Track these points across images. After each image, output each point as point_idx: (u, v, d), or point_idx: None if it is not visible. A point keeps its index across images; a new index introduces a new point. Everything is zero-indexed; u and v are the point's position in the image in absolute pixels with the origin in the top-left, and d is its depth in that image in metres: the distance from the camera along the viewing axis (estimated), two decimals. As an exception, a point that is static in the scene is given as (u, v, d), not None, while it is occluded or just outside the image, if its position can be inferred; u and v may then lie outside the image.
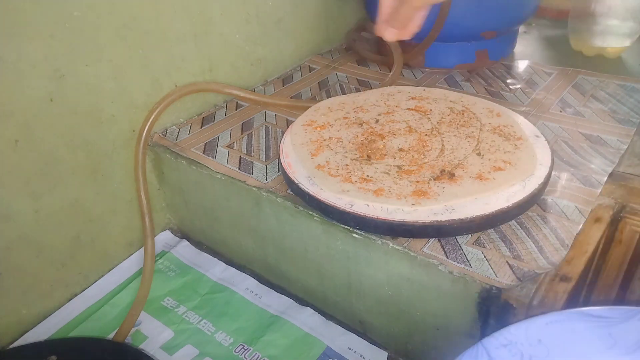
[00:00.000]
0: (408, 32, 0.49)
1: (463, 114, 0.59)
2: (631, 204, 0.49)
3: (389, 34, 0.49)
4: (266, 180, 0.56)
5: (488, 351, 0.27)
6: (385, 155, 0.53)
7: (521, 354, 0.27)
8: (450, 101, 0.62)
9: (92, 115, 0.57)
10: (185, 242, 0.69)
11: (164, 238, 0.70)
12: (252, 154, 0.60)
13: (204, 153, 0.61)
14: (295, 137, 0.57)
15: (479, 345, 0.27)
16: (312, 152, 0.54)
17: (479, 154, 0.52)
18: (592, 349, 0.27)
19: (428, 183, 0.48)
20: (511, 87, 0.72)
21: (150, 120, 0.61)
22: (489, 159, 0.51)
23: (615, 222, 0.49)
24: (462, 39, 0.76)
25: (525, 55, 0.84)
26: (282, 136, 0.58)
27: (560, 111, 0.65)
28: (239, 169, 0.58)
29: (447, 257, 0.44)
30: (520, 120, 0.58)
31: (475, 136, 0.55)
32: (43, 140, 0.53)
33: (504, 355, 0.27)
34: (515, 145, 0.53)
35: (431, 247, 0.45)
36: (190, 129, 0.67)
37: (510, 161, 0.50)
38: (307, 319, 0.57)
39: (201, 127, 0.67)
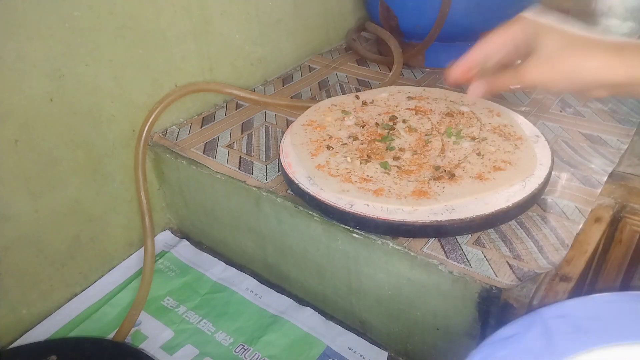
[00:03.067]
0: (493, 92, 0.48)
1: (463, 113, 0.59)
2: (631, 204, 0.49)
3: (475, 90, 0.48)
4: (266, 180, 0.56)
5: (544, 320, 0.27)
6: (385, 155, 0.53)
7: (577, 327, 0.27)
8: (450, 101, 0.62)
9: (92, 115, 0.57)
10: (185, 242, 0.69)
11: (164, 238, 0.70)
12: (252, 154, 0.60)
13: (204, 153, 0.61)
14: (295, 137, 0.57)
15: (535, 314, 0.27)
16: (312, 152, 0.54)
17: (479, 154, 0.52)
18: None
19: (428, 183, 0.48)
20: (511, 86, 0.72)
21: (150, 120, 0.61)
22: (489, 159, 0.51)
23: (615, 222, 0.49)
24: (462, 39, 0.76)
25: (525, 55, 0.84)
26: (282, 136, 0.58)
27: (560, 111, 0.65)
28: (239, 169, 0.58)
29: (447, 257, 0.44)
30: (520, 120, 0.58)
31: (475, 136, 0.55)
32: (43, 140, 0.53)
33: (559, 326, 0.27)
34: (515, 145, 0.53)
35: (431, 247, 0.45)
36: (190, 129, 0.67)
37: (510, 161, 0.50)
38: (307, 319, 0.57)
39: (201, 127, 0.67)
